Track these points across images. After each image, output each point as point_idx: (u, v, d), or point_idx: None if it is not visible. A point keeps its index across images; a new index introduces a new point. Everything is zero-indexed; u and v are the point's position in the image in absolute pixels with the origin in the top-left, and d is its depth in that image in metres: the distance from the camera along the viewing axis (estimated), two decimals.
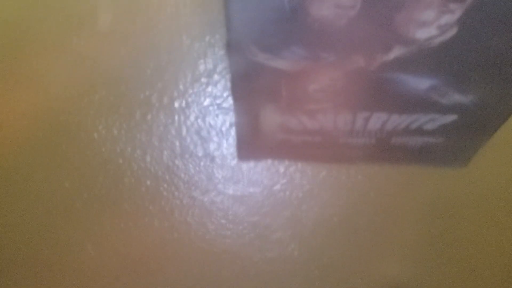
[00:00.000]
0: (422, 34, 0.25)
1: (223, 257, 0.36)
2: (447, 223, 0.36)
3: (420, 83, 0.28)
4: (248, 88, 0.29)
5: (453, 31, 0.25)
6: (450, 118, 0.30)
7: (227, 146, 0.34)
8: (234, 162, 0.34)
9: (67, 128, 0.33)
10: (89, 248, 0.37)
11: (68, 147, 0.34)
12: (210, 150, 0.34)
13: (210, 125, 0.33)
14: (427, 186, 0.35)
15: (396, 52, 0.26)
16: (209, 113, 0.33)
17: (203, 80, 0.32)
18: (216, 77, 0.32)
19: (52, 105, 0.32)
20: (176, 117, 0.33)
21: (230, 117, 0.33)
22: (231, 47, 0.27)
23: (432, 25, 0.25)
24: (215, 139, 0.34)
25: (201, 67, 0.32)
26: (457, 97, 0.28)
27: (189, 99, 0.33)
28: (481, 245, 0.36)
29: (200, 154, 0.34)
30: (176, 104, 0.33)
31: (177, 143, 0.34)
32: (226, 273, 0.36)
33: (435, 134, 0.31)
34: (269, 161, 0.34)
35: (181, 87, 0.32)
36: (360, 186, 0.35)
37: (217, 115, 0.33)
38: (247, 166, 0.34)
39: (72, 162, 0.34)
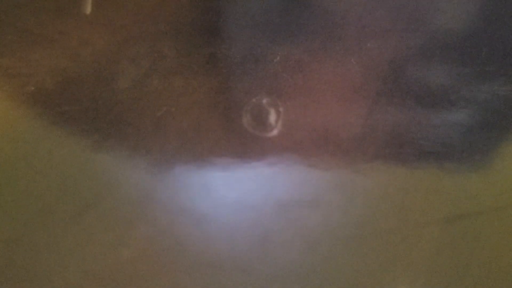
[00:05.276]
0: (438, 24, 0.24)
1: (224, 264, 0.35)
2: (468, 232, 0.35)
3: (438, 76, 0.27)
4: (251, 81, 0.29)
5: (471, 23, 0.24)
6: (470, 113, 0.29)
7: (228, 146, 0.34)
8: (235, 162, 0.34)
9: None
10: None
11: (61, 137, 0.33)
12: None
13: None
14: (445, 190, 0.34)
15: (412, 42, 0.25)
16: None
17: None
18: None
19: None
20: None
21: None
22: (233, 38, 0.26)
23: (449, 14, 0.24)
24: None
25: None
26: (476, 91, 0.28)
27: None
28: (507, 258, 0.35)
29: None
30: None
31: None
32: (226, 279, 0.35)
33: (454, 132, 0.30)
34: (272, 162, 0.34)
35: None
36: (370, 190, 0.34)
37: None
38: (248, 166, 0.34)
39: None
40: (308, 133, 0.32)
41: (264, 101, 0.31)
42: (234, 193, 0.34)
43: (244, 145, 0.33)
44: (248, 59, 0.29)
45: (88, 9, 0.33)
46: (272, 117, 0.31)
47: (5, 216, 0.34)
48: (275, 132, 0.32)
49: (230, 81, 0.31)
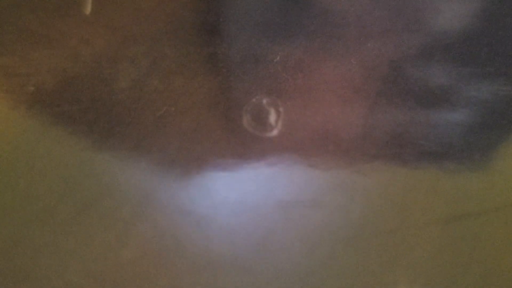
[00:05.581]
0: (438, 24, 0.24)
1: (224, 264, 0.35)
2: (468, 232, 0.35)
3: (438, 76, 0.27)
4: (251, 81, 0.29)
5: (471, 22, 0.24)
6: (470, 113, 0.29)
7: (228, 146, 0.33)
8: (235, 162, 0.33)
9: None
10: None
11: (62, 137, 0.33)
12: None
13: None
14: (445, 190, 0.34)
15: (412, 42, 0.25)
16: None
17: None
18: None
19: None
20: None
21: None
22: (233, 38, 0.26)
23: (449, 14, 0.24)
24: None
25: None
26: (476, 91, 0.27)
27: None
28: (507, 258, 0.35)
29: None
30: None
31: None
32: (226, 279, 0.35)
33: (454, 132, 0.30)
34: (272, 161, 0.34)
35: None
36: (370, 190, 0.34)
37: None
38: (248, 167, 0.33)
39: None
40: (308, 133, 0.32)
41: (264, 101, 0.31)
42: (234, 193, 0.34)
43: (244, 145, 0.33)
44: (248, 59, 0.29)
45: (88, 9, 0.33)
46: (272, 117, 0.31)
47: (5, 216, 0.34)
48: (275, 132, 0.32)
49: (230, 81, 0.31)
